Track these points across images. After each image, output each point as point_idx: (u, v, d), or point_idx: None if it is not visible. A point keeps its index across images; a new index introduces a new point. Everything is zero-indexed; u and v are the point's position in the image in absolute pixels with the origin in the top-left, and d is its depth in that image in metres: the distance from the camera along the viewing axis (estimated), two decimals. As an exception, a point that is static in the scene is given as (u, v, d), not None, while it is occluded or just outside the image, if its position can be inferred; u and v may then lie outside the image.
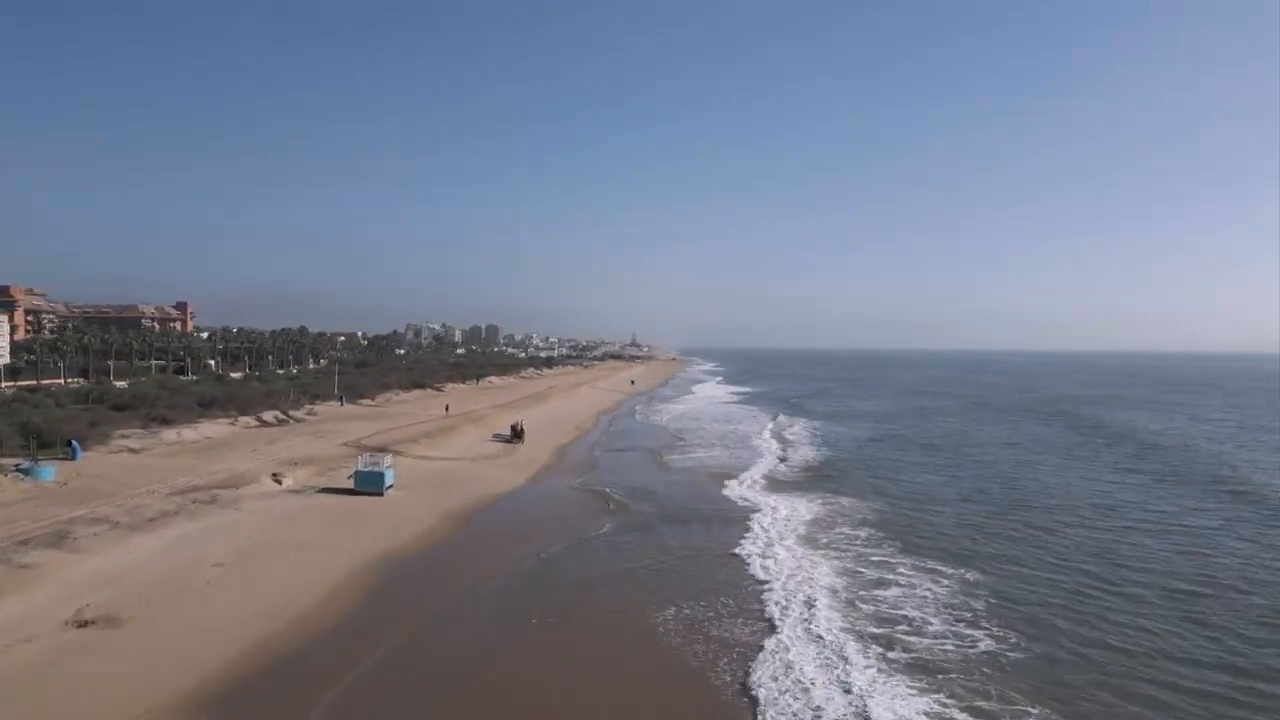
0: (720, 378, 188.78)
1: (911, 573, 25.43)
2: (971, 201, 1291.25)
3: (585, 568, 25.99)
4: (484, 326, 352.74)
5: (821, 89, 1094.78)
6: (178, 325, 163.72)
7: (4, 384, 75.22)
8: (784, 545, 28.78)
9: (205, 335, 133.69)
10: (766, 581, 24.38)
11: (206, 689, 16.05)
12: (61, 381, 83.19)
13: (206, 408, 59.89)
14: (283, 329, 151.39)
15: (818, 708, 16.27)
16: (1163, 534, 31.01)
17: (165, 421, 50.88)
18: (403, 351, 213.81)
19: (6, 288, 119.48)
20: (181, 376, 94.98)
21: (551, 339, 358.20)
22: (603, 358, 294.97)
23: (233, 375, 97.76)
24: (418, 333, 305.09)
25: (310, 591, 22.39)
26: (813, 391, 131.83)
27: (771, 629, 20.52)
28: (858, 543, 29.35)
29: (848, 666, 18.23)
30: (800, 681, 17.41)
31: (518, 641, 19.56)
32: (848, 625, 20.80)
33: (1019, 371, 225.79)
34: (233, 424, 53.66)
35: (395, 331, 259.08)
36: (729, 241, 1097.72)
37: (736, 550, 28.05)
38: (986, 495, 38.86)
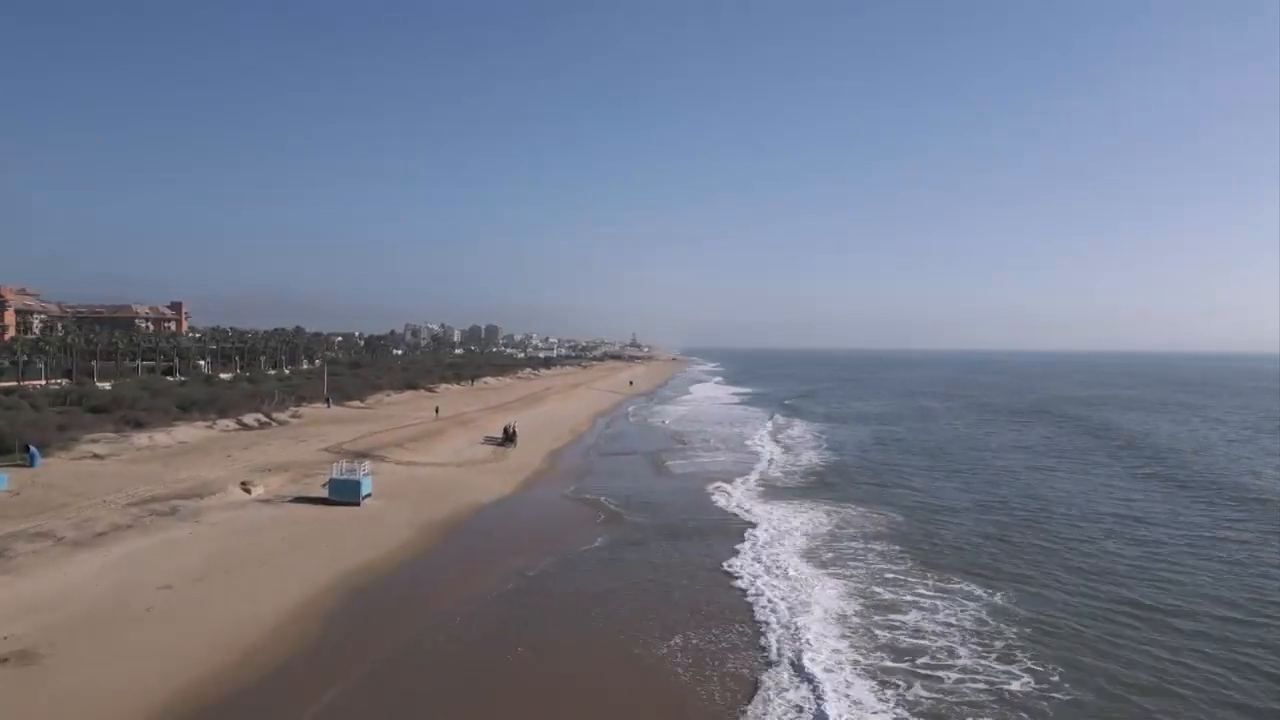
0: (720, 378, 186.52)
1: (931, 593, 23.12)
2: (971, 201, 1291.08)
3: (573, 589, 23.67)
4: (483, 327, 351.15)
5: (821, 89, 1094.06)
6: (172, 325, 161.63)
7: (-18, 385, 72.87)
8: (789, 562, 26.46)
9: (196, 335, 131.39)
10: (770, 604, 22.05)
11: (119, 745, 13.76)
12: (43, 383, 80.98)
13: (186, 410, 57.81)
14: (275, 329, 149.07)
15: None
16: (1200, 550, 28.62)
17: (139, 425, 48.62)
18: (400, 352, 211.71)
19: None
20: (169, 378, 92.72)
21: (551, 339, 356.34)
22: (602, 358, 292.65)
23: (222, 376, 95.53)
24: (415, 333, 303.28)
25: (263, 619, 20.09)
26: (814, 392, 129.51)
27: (773, 663, 18.22)
28: (869, 558, 27.04)
29: (860, 711, 15.95)
30: (811, 731, 15.14)
31: (490, 680, 17.26)
32: (860, 658, 18.50)
33: (1020, 372, 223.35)
34: (210, 427, 51.39)
35: (393, 332, 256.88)
36: (729, 241, 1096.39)
37: (737, 567, 25.73)
38: (1004, 504, 36.53)
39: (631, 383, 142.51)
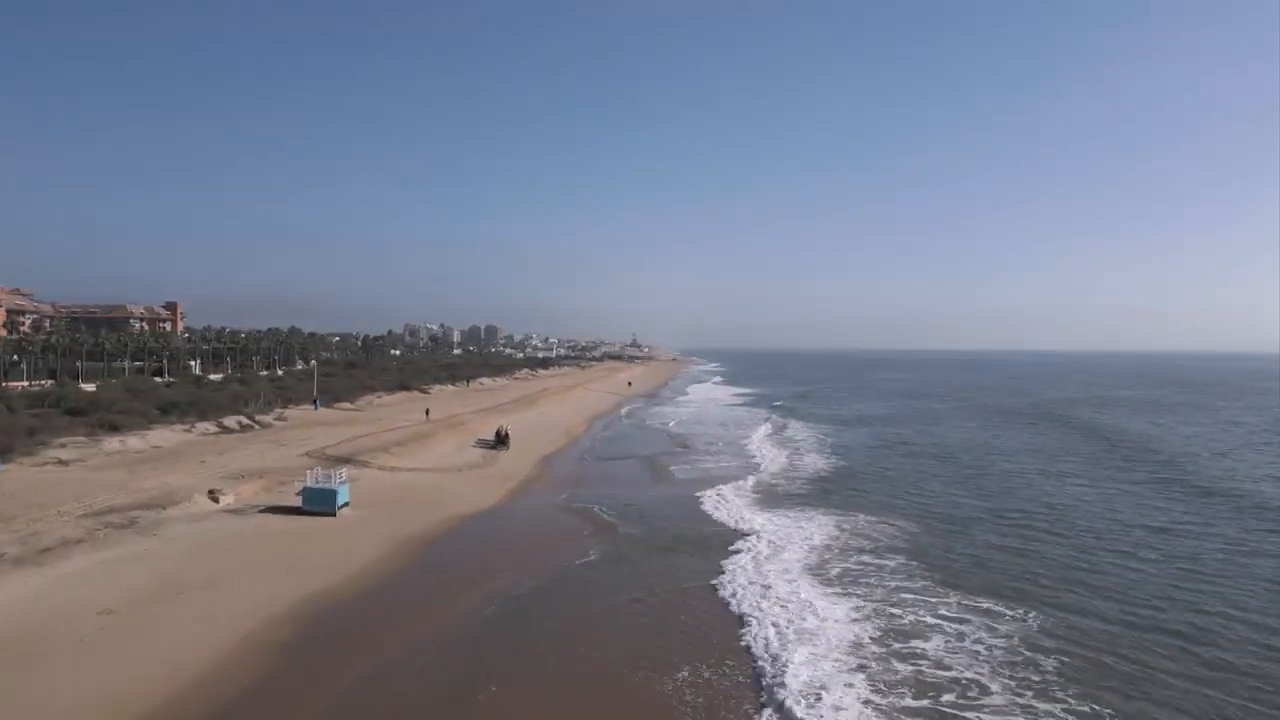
0: (721, 379, 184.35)
1: (954, 616, 20.97)
2: (971, 202, 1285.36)
3: (559, 614, 21.50)
4: (483, 327, 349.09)
5: (822, 89, 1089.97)
6: (167, 326, 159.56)
7: (-40, 387, 70.80)
8: (795, 579, 24.31)
9: (186, 336, 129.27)
10: (777, 631, 19.90)
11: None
12: (26, 384, 78.88)
13: (165, 412, 55.75)
14: (269, 329, 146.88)
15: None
16: (1235, 567, 26.39)
17: (113, 428, 46.52)
18: (397, 352, 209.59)
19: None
20: (157, 379, 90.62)
21: (551, 340, 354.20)
22: (601, 358, 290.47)
23: (211, 377, 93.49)
24: (414, 333, 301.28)
25: (210, 650, 17.95)
26: (816, 393, 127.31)
27: (781, 706, 16.05)
28: (882, 574, 24.88)
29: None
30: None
31: (458, 726, 15.12)
32: (877, 697, 16.35)
33: (1021, 372, 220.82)
34: (188, 431, 49.23)
35: (390, 332, 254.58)
36: (729, 242, 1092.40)
37: (739, 587, 23.56)
38: (1022, 513, 34.32)
39: (630, 384, 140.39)
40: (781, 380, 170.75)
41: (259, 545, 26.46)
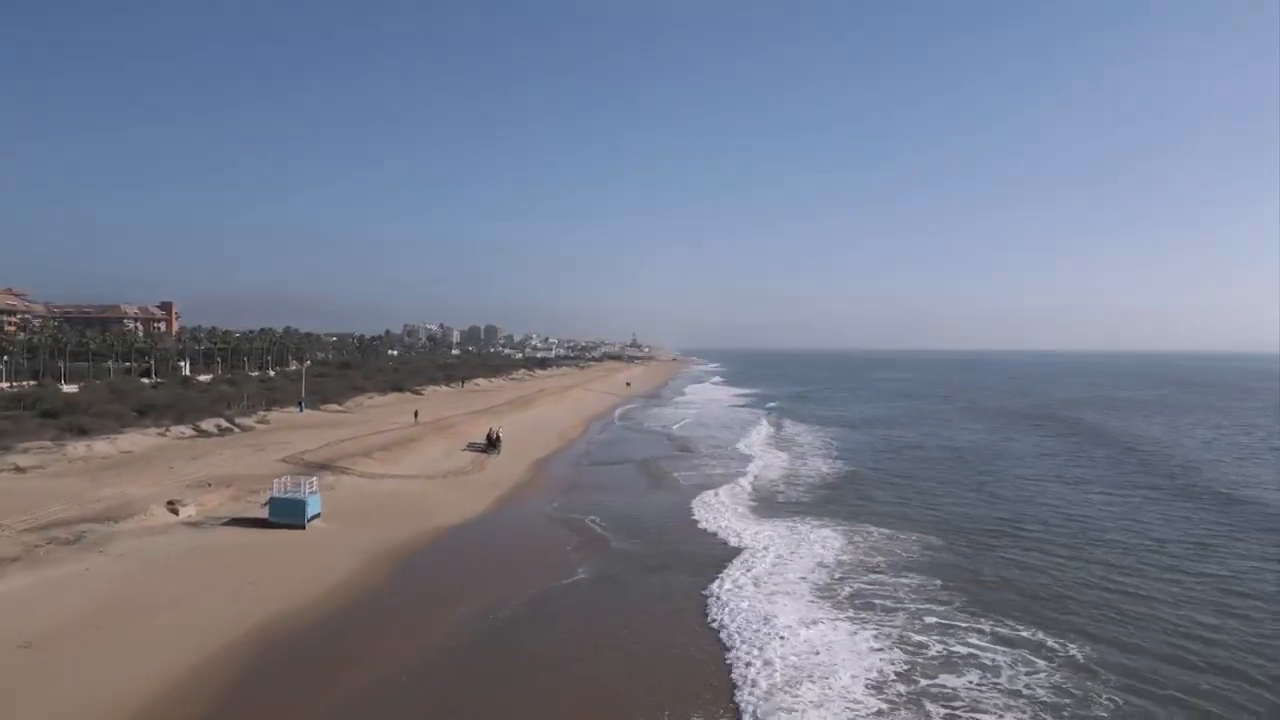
0: (721, 379, 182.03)
1: (990, 646, 18.68)
2: (971, 201, 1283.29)
3: (542, 641, 19.18)
4: (482, 327, 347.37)
5: (822, 89, 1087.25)
6: (162, 326, 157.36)
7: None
8: (801, 602, 21.99)
9: (176, 336, 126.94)
10: (780, 662, 17.58)
11: None
12: (7, 385, 76.62)
13: (143, 414, 53.48)
14: (261, 329, 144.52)
15: None
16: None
17: (82, 432, 44.18)
18: (395, 352, 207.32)
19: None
20: (144, 379, 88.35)
21: (551, 340, 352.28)
22: (601, 359, 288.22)
23: (200, 378, 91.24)
24: (412, 333, 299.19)
25: (143, 690, 15.66)
26: (817, 394, 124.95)
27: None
28: (901, 594, 22.55)
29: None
30: None
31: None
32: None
33: (1023, 373, 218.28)
34: (163, 434, 46.90)
35: (388, 332, 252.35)
36: (729, 242, 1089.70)
37: (739, 612, 21.22)
38: (1045, 526, 31.93)
39: (629, 384, 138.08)
40: (782, 380, 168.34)
41: (216, 562, 24.11)
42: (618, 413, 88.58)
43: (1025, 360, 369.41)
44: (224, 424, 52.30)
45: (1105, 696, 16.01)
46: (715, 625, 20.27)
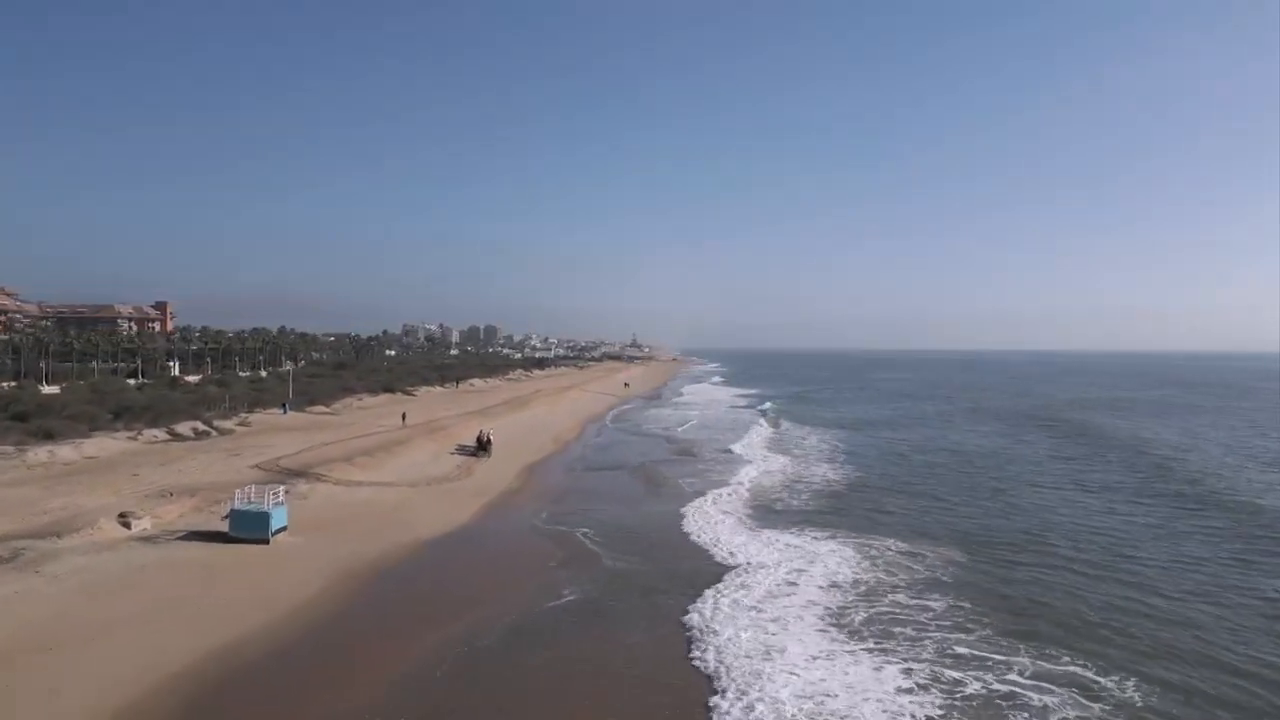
0: (721, 379, 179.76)
1: (1034, 682, 16.40)
2: (971, 202, 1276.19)
3: (517, 680, 16.84)
4: (482, 327, 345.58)
5: (822, 89, 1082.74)
6: (156, 326, 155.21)
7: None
8: (812, 629, 19.67)
9: (166, 336, 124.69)
10: (794, 705, 15.26)
11: None
12: (-13, 385, 74.27)
13: (118, 416, 51.22)
14: (254, 329, 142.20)
15: None
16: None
17: (48, 436, 41.88)
18: (392, 352, 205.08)
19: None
20: (130, 380, 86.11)
21: (551, 340, 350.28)
22: (601, 359, 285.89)
23: (189, 379, 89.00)
24: (411, 333, 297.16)
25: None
26: (819, 395, 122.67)
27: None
28: (927, 620, 20.22)
29: None
30: None
31: None
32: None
33: (1025, 373, 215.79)
34: (134, 439, 44.56)
35: (385, 332, 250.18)
36: (729, 242, 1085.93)
37: (741, 641, 18.89)
38: (1074, 541, 29.43)
39: (627, 384, 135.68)
40: (782, 381, 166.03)
41: (166, 583, 21.78)
42: (615, 414, 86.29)
43: (1025, 360, 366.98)
44: (201, 427, 49.96)
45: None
46: (711, 660, 17.90)
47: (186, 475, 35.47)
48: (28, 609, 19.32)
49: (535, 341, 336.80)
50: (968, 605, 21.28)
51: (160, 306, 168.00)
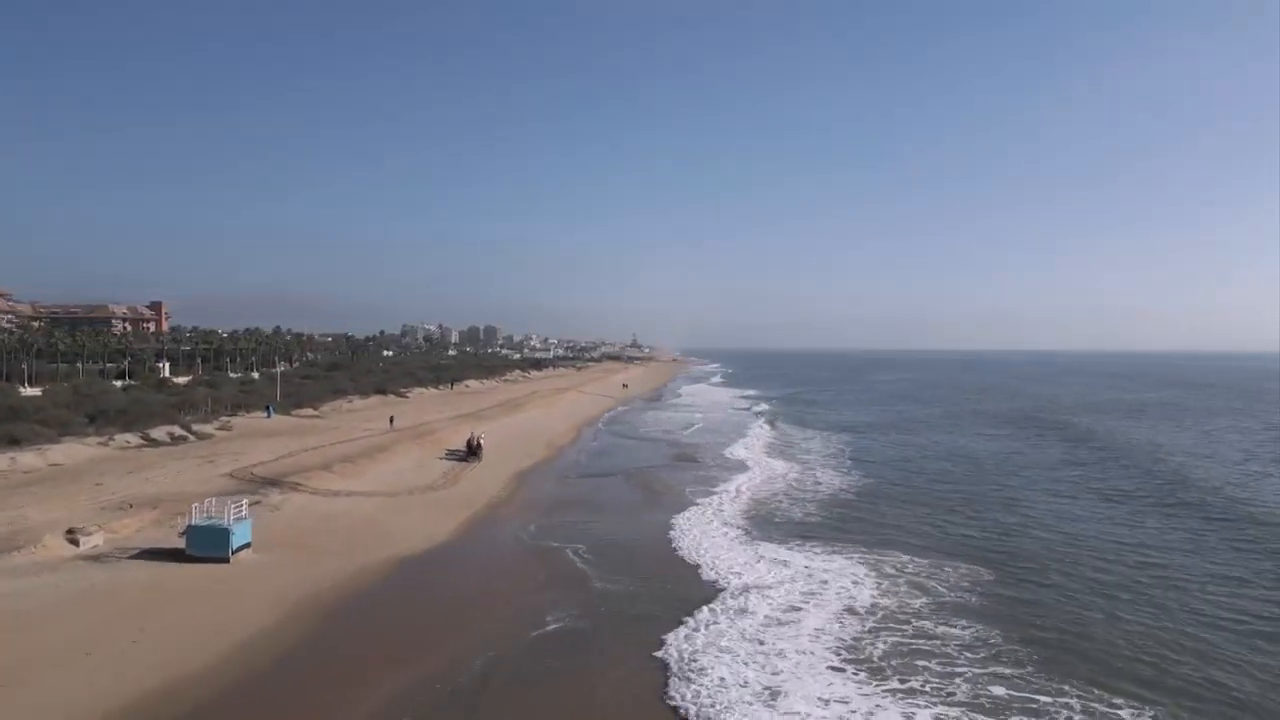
0: (721, 380, 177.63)
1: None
2: (971, 202, 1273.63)
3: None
4: (482, 328, 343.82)
5: (822, 90, 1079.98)
6: (151, 326, 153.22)
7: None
8: (824, 664, 17.50)
9: (157, 336, 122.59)
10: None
11: None
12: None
13: (93, 420, 49.15)
14: (245, 329, 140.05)
15: None
16: None
17: (13, 441, 39.74)
18: (390, 353, 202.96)
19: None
20: (118, 382, 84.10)
21: (550, 340, 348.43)
22: (600, 359, 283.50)
23: (178, 380, 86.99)
24: (410, 333, 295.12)
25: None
26: (821, 397, 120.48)
27: None
28: (955, 652, 18.05)
29: None
30: None
31: None
32: None
33: (1026, 373, 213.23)
34: (105, 444, 42.42)
35: (382, 332, 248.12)
36: (730, 242, 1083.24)
37: (746, 681, 16.72)
38: (1106, 561, 27.13)
39: (626, 386, 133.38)
40: (783, 382, 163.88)
41: (104, 612, 19.60)
42: (613, 417, 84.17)
43: (1025, 360, 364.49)
44: (178, 432, 47.78)
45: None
46: (706, 705, 15.75)
47: (153, 484, 33.32)
48: (-59, 644, 17.16)
49: (535, 342, 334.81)
50: (998, 634, 19.11)
51: (155, 306, 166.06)
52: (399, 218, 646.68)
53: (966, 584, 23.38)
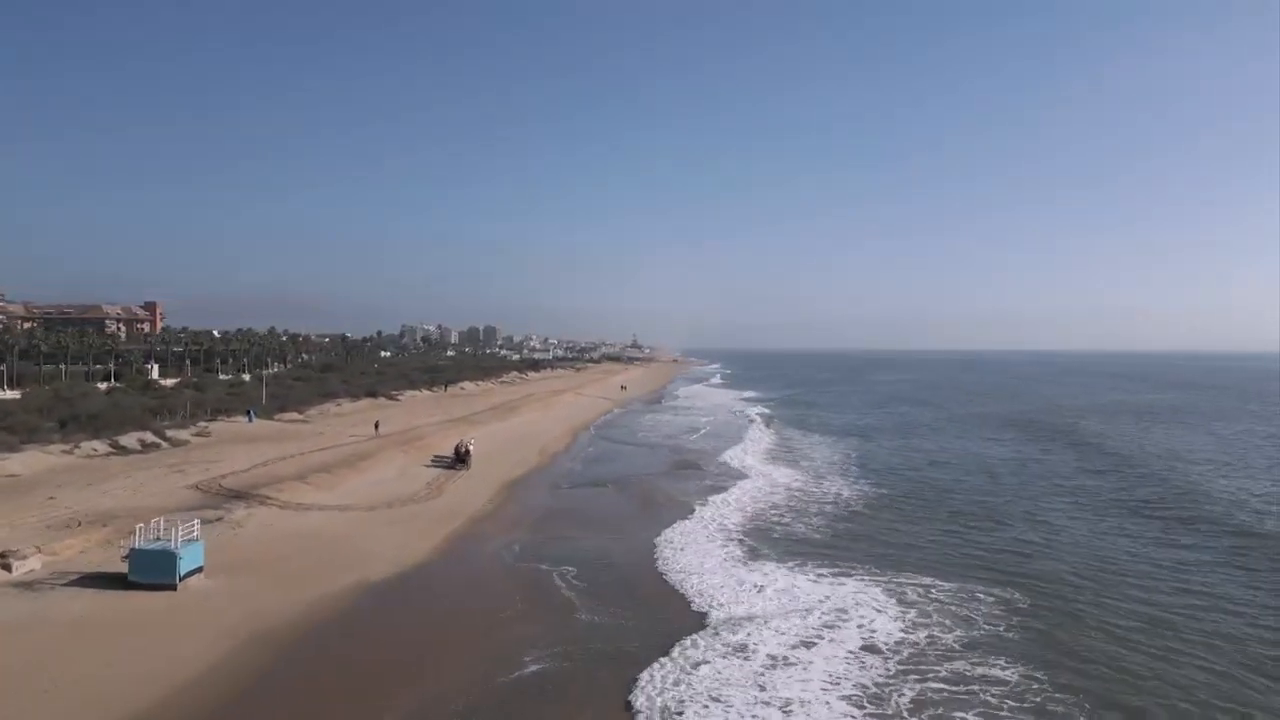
0: (721, 381, 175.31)
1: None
2: (971, 202, 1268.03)
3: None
4: (481, 328, 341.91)
5: (822, 90, 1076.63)
6: (146, 326, 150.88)
7: None
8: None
9: (147, 337, 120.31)
10: None
11: None
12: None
13: (64, 426, 46.86)
14: (238, 330, 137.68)
15: None
16: None
17: (-29, 450, 37.46)
18: (387, 354, 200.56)
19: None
20: (102, 384, 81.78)
21: (551, 340, 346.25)
22: (600, 360, 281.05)
23: (165, 382, 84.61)
24: (408, 333, 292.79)
25: None
26: (823, 399, 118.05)
27: None
28: (994, 698, 15.70)
29: None
30: None
31: None
32: None
33: (1028, 374, 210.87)
34: (69, 452, 40.05)
35: (380, 333, 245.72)
36: (730, 242, 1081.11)
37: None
38: (1141, 584, 24.84)
39: (624, 388, 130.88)
40: (784, 383, 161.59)
41: (18, 653, 17.24)
42: (610, 420, 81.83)
43: (1026, 360, 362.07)
44: (150, 438, 45.41)
45: None
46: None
47: (111, 497, 31.00)
48: None
49: (535, 342, 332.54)
50: (1043, 678, 16.75)
51: (150, 307, 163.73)
52: (399, 218, 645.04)
53: (1000, 612, 21.04)
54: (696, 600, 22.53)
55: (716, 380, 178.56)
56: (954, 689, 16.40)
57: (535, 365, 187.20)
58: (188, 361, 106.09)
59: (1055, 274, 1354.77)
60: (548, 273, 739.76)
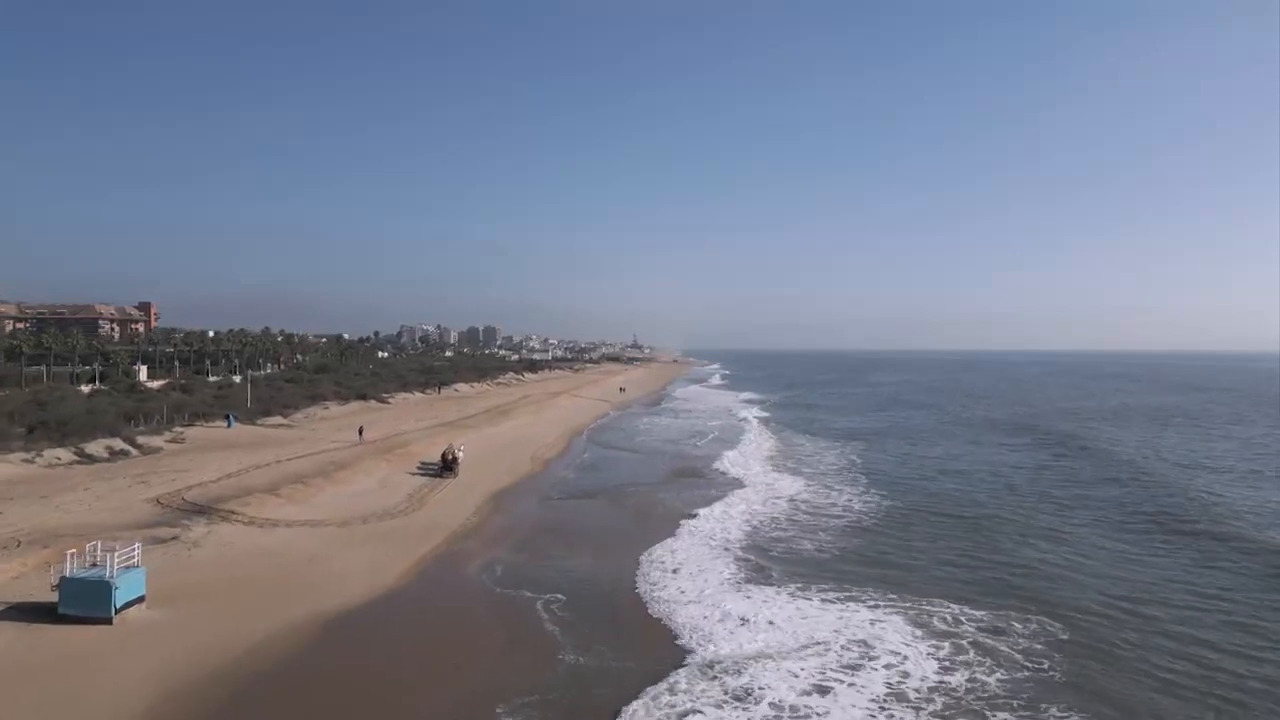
0: (721, 382, 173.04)
1: None
2: (972, 202, 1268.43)
3: None
4: (481, 328, 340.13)
5: (823, 90, 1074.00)
6: (140, 327, 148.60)
7: None
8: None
9: (135, 337, 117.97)
10: None
11: None
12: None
13: (32, 432, 44.58)
14: (230, 330, 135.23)
15: None
16: None
17: (-79, 459, 35.17)
18: (385, 354, 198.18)
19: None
20: (85, 387, 79.49)
21: (550, 340, 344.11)
22: (599, 360, 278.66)
23: (151, 384, 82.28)
24: (404, 334, 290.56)
25: None
26: (825, 401, 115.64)
27: None
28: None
29: None
30: None
31: None
32: None
33: (1029, 374, 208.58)
34: (30, 461, 37.75)
35: (377, 333, 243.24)
36: (730, 242, 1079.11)
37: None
38: (1181, 615, 22.58)
39: (623, 389, 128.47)
40: (785, 383, 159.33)
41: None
42: (606, 424, 79.45)
43: (1026, 360, 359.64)
44: (120, 445, 43.08)
45: None
46: None
47: (64, 512, 28.69)
48: None
49: (534, 343, 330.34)
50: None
51: (144, 307, 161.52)
52: (399, 218, 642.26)
53: (1041, 647, 18.75)
54: (692, 635, 20.18)
55: (716, 381, 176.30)
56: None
57: (533, 366, 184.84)
58: (177, 363, 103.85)
59: (1055, 274, 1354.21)
60: (547, 273, 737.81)
